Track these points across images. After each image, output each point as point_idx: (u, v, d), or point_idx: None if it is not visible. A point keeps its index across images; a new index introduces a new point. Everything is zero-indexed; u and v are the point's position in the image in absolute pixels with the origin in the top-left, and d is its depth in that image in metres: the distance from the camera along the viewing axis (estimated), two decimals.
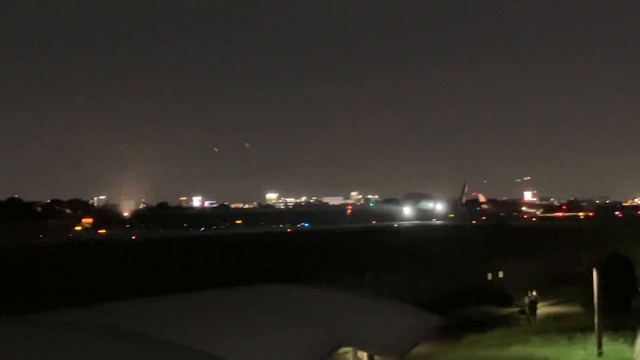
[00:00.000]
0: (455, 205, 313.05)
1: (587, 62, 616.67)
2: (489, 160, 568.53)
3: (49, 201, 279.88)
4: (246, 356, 19.54)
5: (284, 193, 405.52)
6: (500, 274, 77.73)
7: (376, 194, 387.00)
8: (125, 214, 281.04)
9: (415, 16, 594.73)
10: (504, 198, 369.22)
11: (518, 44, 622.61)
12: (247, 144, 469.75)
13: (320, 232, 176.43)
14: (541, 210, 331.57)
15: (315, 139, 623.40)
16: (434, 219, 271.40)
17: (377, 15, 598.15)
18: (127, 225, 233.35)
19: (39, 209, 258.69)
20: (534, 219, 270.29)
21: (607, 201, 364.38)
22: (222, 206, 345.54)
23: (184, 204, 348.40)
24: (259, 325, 22.47)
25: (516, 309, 65.05)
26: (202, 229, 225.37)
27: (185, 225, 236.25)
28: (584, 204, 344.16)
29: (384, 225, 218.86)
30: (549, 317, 61.14)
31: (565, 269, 78.01)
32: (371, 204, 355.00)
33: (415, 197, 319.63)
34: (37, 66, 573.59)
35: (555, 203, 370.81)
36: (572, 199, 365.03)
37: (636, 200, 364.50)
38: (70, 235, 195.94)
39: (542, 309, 64.42)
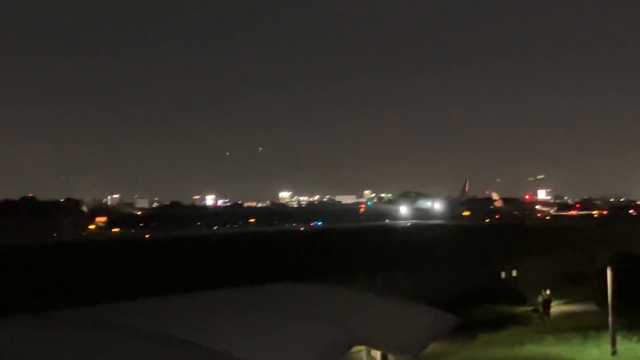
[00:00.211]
0: (453, 203, 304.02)
1: (604, 60, 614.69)
2: (503, 159, 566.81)
3: (63, 200, 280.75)
4: (261, 355, 19.59)
5: (297, 191, 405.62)
6: (514, 273, 77.52)
7: (390, 192, 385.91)
8: (139, 213, 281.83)
9: (436, 10, 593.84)
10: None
11: (532, 41, 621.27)
12: (259, 148, 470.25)
13: (332, 231, 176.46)
14: (555, 208, 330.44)
15: (329, 137, 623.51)
16: (434, 218, 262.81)
17: (393, 13, 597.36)
18: (141, 224, 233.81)
19: (54, 207, 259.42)
20: (547, 218, 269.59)
21: (622, 199, 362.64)
22: (236, 205, 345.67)
23: (197, 203, 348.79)
24: (273, 324, 22.52)
25: (530, 308, 64.87)
26: (216, 227, 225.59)
27: (198, 223, 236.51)
28: (598, 202, 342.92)
29: (396, 224, 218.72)
30: (563, 316, 61.04)
31: (579, 268, 77.73)
32: (369, 203, 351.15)
33: (411, 196, 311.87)
34: (51, 66, 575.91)
35: (569, 201, 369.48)
36: (585, 197, 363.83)
37: None
38: (84, 233, 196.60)
39: (556, 308, 64.28)
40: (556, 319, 59.57)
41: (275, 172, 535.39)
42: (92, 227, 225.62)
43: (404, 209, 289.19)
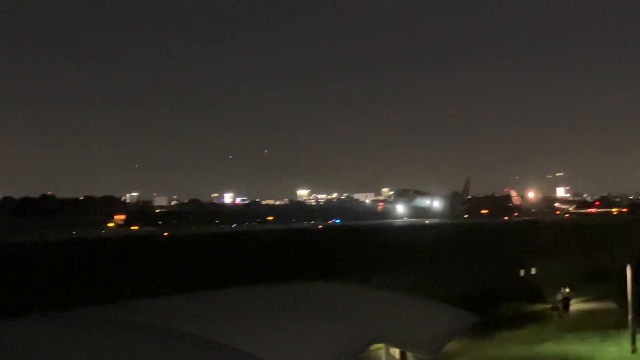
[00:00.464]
0: (452, 202, 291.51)
1: (624, 57, 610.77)
2: (522, 157, 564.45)
3: (82, 198, 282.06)
4: (281, 352, 19.70)
5: (315, 189, 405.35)
6: (533, 271, 77.32)
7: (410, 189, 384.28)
8: (157, 211, 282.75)
9: (454, 6, 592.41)
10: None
11: (552, 37, 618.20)
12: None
13: (350, 229, 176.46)
14: (574, 206, 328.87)
15: (348, 135, 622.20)
16: (433, 217, 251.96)
17: (411, 8, 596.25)
18: (159, 222, 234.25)
19: (72, 205, 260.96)
20: (566, 215, 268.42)
21: None
22: (254, 202, 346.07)
23: (216, 201, 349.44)
24: (293, 322, 22.64)
25: (549, 306, 64.70)
26: (234, 225, 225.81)
27: (216, 221, 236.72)
28: (618, 199, 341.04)
29: (415, 222, 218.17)
30: (582, 314, 60.85)
31: (598, 266, 77.50)
32: (367, 201, 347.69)
33: (409, 194, 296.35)
34: (69, 65, 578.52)
35: (589, 199, 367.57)
36: (605, 194, 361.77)
37: None
38: (102, 231, 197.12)
39: (575, 306, 64.10)
40: (575, 317, 59.40)
41: (293, 170, 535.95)
42: (111, 225, 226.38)
43: (400, 208, 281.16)
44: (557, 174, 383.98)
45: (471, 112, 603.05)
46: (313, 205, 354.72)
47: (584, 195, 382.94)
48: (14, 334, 19.27)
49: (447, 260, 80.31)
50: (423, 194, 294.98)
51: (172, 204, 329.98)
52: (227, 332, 20.41)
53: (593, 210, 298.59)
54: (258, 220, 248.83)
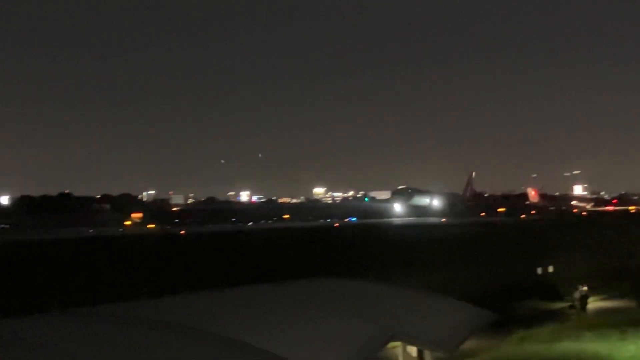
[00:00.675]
0: (452, 200, 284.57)
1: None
2: (540, 155, 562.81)
3: (99, 196, 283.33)
4: (297, 350, 19.66)
5: (331, 187, 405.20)
6: (550, 268, 76.98)
7: (428, 187, 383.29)
8: (174, 209, 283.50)
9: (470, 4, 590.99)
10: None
11: (573, 35, 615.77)
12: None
13: (366, 227, 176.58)
14: (592, 204, 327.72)
15: (363, 132, 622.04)
16: (432, 216, 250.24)
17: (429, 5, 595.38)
18: (176, 220, 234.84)
19: (90, 203, 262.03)
20: (584, 213, 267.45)
21: None
22: (270, 201, 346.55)
23: (232, 199, 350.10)
24: (310, 319, 22.59)
25: (566, 304, 64.36)
26: (250, 223, 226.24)
27: (233, 219, 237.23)
28: (635, 197, 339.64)
29: (433, 221, 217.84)
30: (600, 312, 60.47)
31: (617, 263, 77.14)
32: (366, 199, 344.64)
33: (407, 192, 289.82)
34: (87, 65, 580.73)
35: (606, 197, 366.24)
36: (623, 192, 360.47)
37: None
38: (120, 229, 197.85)
39: (593, 304, 63.73)
40: (593, 315, 59.05)
41: (309, 168, 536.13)
42: (128, 222, 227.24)
43: (398, 207, 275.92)
44: (575, 172, 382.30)
45: (490, 110, 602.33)
46: (329, 203, 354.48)
47: (602, 193, 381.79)
48: (31, 331, 19.31)
49: (464, 258, 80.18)
50: (422, 192, 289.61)
51: (188, 202, 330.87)
52: (243, 329, 20.37)
53: (611, 208, 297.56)
54: (274, 218, 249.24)
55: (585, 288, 61.63)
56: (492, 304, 37.79)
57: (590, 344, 45.02)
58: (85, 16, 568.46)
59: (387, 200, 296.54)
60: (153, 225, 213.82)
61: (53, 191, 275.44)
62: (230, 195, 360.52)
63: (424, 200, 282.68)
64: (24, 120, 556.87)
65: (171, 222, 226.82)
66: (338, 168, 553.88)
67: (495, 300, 53.32)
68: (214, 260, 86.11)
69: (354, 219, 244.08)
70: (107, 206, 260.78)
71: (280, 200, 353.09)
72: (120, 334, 19.20)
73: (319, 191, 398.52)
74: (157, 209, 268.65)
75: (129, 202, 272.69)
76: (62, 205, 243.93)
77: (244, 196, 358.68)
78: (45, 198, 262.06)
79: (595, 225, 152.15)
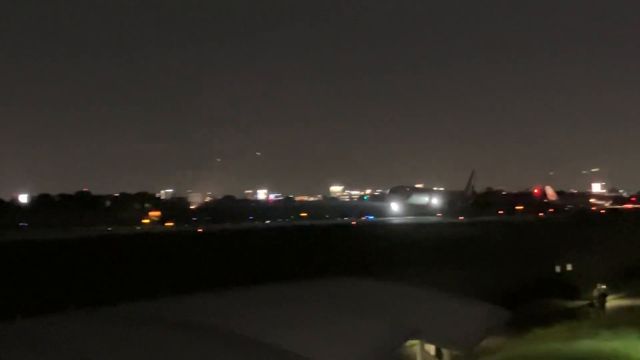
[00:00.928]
0: (452, 199, 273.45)
1: None
2: (555, 152, 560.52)
3: (117, 194, 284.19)
4: (317, 348, 19.78)
5: (348, 185, 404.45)
6: (569, 267, 76.84)
7: (442, 186, 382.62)
8: (192, 207, 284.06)
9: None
10: (571, 190, 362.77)
11: (592, 33, 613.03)
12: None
13: (384, 225, 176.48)
14: (610, 202, 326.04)
15: (381, 130, 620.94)
16: (431, 215, 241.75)
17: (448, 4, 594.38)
18: (194, 218, 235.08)
19: (107, 202, 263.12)
20: (602, 211, 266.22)
21: None
22: (287, 199, 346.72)
23: (250, 197, 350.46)
24: (329, 318, 22.71)
25: (585, 302, 64.25)
26: (268, 221, 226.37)
27: (250, 217, 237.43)
28: None
29: (451, 220, 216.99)
30: (619, 310, 60.37)
31: (635, 262, 76.86)
32: (365, 197, 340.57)
33: (403, 191, 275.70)
34: (102, 62, 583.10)
35: (625, 195, 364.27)
36: None
37: None
38: (137, 228, 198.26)
39: (612, 302, 63.64)
40: (612, 314, 58.95)
41: (327, 166, 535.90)
42: (146, 221, 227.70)
43: (395, 206, 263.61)
44: (593, 170, 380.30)
45: (507, 107, 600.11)
46: (345, 201, 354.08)
47: (620, 191, 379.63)
48: (50, 330, 19.51)
49: (482, 257, 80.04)
50: (421, 190, 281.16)
51: (206, 200, 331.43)
52: (262, 328, 20.52)
53: (629, 206, 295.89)
54: (291, 216, 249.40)
55: (603, 286, 61.49)
56: (510, 303, 37.84)
57: (609, 342, 44.94)
58: (104, 14, 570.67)
59: (383, 199, 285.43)
60: (171, 224, 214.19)
61: (71, 189, 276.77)
62: (248, 193, 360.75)
63: (422, 199, 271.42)
64: (42, 119, 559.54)
65: (189, 220, 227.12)
66: (356, 166, 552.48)
67: (514, 298, 53.37)
68: (232, 259, 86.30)
69: (371, 217, 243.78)
70: (108, 202, 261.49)
71: (297, 199, 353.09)
72: (138, 333, 19.37)
73: (336, 189, 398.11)
74: (175, 207, 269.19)
75: (147, 199, 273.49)
76: (81, 204, 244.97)
77: (262, 194, 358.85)
78: (63, 196, 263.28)
79: (613, 223, 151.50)
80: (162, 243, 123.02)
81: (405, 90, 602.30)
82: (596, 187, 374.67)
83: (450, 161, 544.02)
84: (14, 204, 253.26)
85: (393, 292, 29.34)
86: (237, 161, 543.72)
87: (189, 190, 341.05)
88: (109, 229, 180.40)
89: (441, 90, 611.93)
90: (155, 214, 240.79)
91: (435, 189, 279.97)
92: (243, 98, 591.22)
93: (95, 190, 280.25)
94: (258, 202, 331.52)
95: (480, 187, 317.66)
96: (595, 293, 61.55)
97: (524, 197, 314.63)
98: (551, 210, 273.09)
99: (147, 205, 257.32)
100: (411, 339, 24.63)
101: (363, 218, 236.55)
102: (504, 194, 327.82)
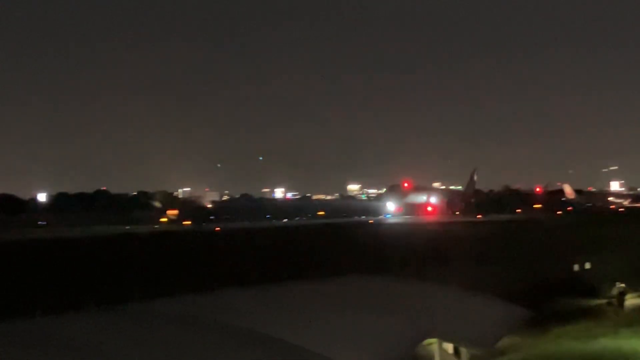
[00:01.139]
0: (451, 198, 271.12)
1: None
2: (574, 150, 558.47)
3: (135, 193, 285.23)
4: (335, 345, 19.80)
5: (366, 184, 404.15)
6: (587, 265, 76.46)
7: (459, 185, 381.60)
8: (210, 206, 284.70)
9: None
10: (589, 188, 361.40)
11: (610, 30, 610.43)
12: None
13: (401, 224, 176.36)
14: (629, 200, 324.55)
15: (399, 129, 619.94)
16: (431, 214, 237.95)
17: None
18: (211, 217, 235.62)
19: (125, 201, 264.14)
20: (621, 209, 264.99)
21: None
22: (304, 198, 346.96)
23: (267, 196, 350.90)
24: (348, 316, 22.75)
25: (604, 301, 63.91)
26: (285, 220, 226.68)
27: (267, 216, 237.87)
28: None
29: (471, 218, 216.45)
30: (638, 309, 60.03)
31: None
32: (363, 196, 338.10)
33: (400, 190, 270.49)
34: (125, 58, 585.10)
35: None
36: None
37: None
38: (156, 226, 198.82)
39: (631, 301, 63.26)
40: (631, 312, 58.63)
41: (343, 164, 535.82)
42: (164, 219, 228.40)
43: (391, 205, 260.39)
44: (612, 168, 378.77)
45: (527, 105, 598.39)
46: (363, 199, 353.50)
47: (639, 189, 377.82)
48: (69, 328, 19.60)
49: (500, 256, 79.82)
50: (418, 189, 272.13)
51: (223, 199, 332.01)
52: (280, 326, 20.56)
53: None
54: (309, 215, 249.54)
55: (622, 285, 61.19)
56: (528, 302, 37.72)
57: (628, 341, 44.75)
58: (123, 9, 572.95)
59: (380, 198, 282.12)
60: (189, 222, 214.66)
61: (89, 188, 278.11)
62: (265, 192, 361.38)
63: (420, 198, 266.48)
64: (60, 118, 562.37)
65: (207, 219, 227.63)
66: (373, 164, 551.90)
67: (532, 297, 53.14)
68: (249, 257, 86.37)
69: (388, 215, 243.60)
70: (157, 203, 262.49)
71: (314, 197, 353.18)
72: (155, 330, 19.42)
73: (353, 188, 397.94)
74: (192, 206, 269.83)
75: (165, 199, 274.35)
76: (98, 202, 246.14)
77: (279, 193, 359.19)
78: (81, 195, 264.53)
79: (632, 221, 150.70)
80: (179, 242, 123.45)
81: (430, 87, 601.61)
82: (615, 186, 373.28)
83: (470, 159, 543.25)
84: (33, 203, 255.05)
85: (411, 290, 29.34)
86: (253, 160, 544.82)
87: (206, 189, 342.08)
88: (127, 227, 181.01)
89: (456, 88, 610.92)
90: (172, 212, 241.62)
91: (434, 186, 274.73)
92: (260, 97, 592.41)
93: (114, 189, 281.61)
94: (275, 200, 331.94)
95: (497, 185, 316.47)
96: (614, 291, 61.27)
97: (542, 195, 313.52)
98: (570, 208, 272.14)
99: (164, 204, 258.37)
100: (429, 338, 24.61)
101: (382, 217, 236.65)
102: (523, 193, 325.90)
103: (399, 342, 22.05)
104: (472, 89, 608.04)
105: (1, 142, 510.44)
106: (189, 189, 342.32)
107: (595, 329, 50.29)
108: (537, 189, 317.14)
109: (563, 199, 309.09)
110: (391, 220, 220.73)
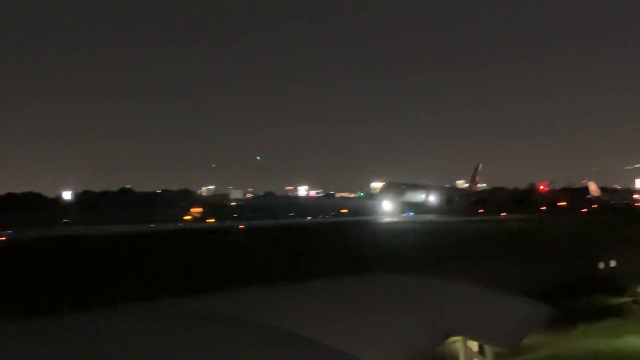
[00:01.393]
0: (450, 196, 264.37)
1: None
2: (598, 148, 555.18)
3: (159, 191, 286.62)
4: (358, 344, 19.82)
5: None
6: (612, 263, 76.03)
7: (484, 183, 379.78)
8: (233, 204, 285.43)
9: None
10: (615, 185, 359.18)
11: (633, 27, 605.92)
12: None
13: (423, 222, 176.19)
14: None
15: (423, 127, 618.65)
16: (428, 212, 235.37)
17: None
18: (235, 215, 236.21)
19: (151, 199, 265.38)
20: None
21: None
22: (328, 195, 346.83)
23: (290, 194, 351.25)
24: (370, 314, 22.74)
25: (629, 299, 63.52)
26: (309, 217, 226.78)
27: (291, 214, 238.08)
28: None
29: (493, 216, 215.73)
30: None
31: None
32: (361, 194, 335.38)
33: (397, 188, 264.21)
34: (147, 58, 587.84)
35: None
36: None
37: None
38: (180, 224, 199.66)
39: None
40: None
41: (368, 162, 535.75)
42: (187, 217, 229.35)
43: (387, 204, 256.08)
44: (636, 166, 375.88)
45: (550, 105, 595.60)
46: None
47: None
48: (97, 324, 19.73)
49: (525, 253, 79.62)
50: (416, 187, 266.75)
51: (247, 196, 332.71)
52: (302, 324, 20.58)
53: None
54: (332, 212, 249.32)
55: None
56: (553, 299, 37.56)
57: None
58: (149, 13, 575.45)
59: (377, 197, 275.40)
60: (213, 220, 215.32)
61: (114, 186, 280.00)
62: (289, 190, 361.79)
63: (418, 196, 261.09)
64: (85, 117, 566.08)
65: (230, 216, 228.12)
66: (396, 162, 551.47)
67: (557, 295, 52.89)
68: (272, 254, 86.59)
69: (411, 213, 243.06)
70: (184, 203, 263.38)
71: (338, 195, 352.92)
72: (179, 327, 19.50)
73: (377, 186, 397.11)
74: (216, 204, 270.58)
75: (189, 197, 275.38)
76: (123, 200, 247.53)
77: (302, 191, 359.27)
78: (105, 193, 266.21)
79: None
80: (204, 239, 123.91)
81: (453, 86, 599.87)
82: (639, 183, 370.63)
83: (496, 157, 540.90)
84: (58, 201, 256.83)
85: (435, 287, 29.26)
86: (278, 158, 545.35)
87: (230, 187, 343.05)
88: (152, 225, 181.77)
89: (487, 88, 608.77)
90: (197, 210, 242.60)
91: (433, 184, 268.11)
92: (282, 94, 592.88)
93: (138, 187, 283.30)
94: (299, 198, 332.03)
95: (522, 183, 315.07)
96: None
97: (567, 193, 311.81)
98: (594, 206, 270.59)
99: (189, 202, 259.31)
100: (453, 336, 24.55)
101: (404, 215, 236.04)
102: (549, 190, 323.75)
103: (423, 339, 22.02)
104: (489, 88, 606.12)
105: (28, 141, 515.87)
106: (213, 187, 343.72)
107: (620, 327, 50.02)
108: (541, 187, 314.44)
109: (588, 196, 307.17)
110: (413, 218, 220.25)
